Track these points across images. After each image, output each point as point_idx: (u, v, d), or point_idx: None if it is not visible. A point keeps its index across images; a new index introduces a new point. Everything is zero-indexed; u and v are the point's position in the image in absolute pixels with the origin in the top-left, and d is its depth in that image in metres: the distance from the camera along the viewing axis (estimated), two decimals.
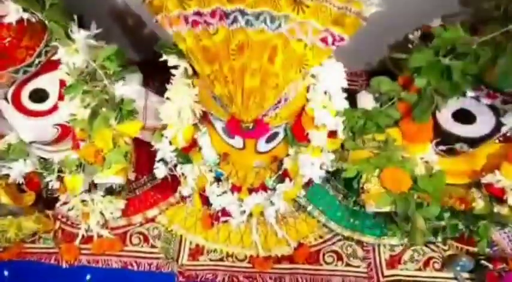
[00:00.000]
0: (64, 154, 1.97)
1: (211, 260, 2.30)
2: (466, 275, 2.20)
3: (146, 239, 2.36)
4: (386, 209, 1.83)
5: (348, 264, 2.28)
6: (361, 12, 1.40)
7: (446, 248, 2.26)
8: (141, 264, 2.30)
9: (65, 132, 1.93)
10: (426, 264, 2.25)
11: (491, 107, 1.79)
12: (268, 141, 1.92)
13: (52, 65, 1.78)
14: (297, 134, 1.82)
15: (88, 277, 2.28)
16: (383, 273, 2.24)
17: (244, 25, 1.39)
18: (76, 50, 1.66)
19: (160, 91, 1.89)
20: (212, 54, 1.48)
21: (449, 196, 1.89)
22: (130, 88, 1.80)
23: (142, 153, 2.15)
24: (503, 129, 1.79)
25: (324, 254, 2.30)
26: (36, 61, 1.75)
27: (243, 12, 1.36)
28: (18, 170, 1.97)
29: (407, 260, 2.27)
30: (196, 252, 2.32)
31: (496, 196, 1.85)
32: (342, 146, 1.94)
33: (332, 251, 2.31)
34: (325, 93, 1.68)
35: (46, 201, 2.31)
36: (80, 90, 1.73)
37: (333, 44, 1.48)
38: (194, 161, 2.01)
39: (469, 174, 1.95)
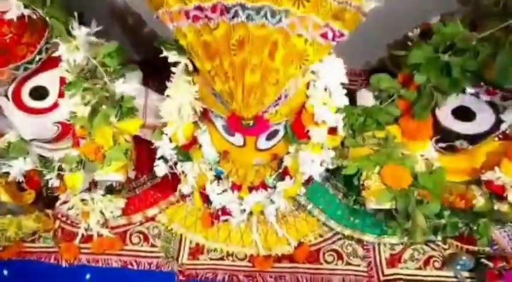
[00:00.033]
0: (64, 152, 1.97)
1: (211, 259, 2.30)
2: (466, 273, 2.20)
3: (146, 238, 2.35)
4: (387, 205, 1.83)
5: (348, 263, 2.27)
6: (361, 7, 1.40)
7: (446, 247, 2.26)
8: (141, 264, 2.29)
9: (65, 130, 1.93)
10: (426, 263, 2.25)
11: (491, 104, 1.79)
12: (268, 138, 1.92)
13: (52, 63, 1.79)
14: (297, 131, 1.82)
15: (88, 276, 2.27)
16: (383, 272, 2.24)
17: (245, 20, 1.39)
18: (76, 47, 1.65)
19: (160, 91, 1.89)
20: (213, 49, 1.48)
21: (449, 193, 1.89)
22: (130, 86, 1.79)
23: (142, 152, 2.16)
24: (503, 126, 1.79)
25: (324, 253, 2.30)
26: (37, 58, 1.75)
27: (243, 7, 1.36)
28: (18, 168, 1.96)
29: (408, 258, 2.26)
30: (197, 251, 2.32)
31: (496, 193, 1.85)
32: (342, 143, 1.94)
33: (332, 250, 2.30)
34: (325, 89, 1.68)
35: (46, 200, 2.30)
36: (80, 88, 1.73)
37: (333, 39, 1.48)
38: (194, 159, 2.01)
39: (469, 172, 1.96)
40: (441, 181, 1.83)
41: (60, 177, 2.00)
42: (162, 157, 1.94)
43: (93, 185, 2.18)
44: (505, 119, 1.77)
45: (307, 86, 1.71)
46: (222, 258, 2.30)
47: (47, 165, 2.06)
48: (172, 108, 1.78)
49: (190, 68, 1.70)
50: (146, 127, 1.96)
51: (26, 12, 1.64)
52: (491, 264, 2.11)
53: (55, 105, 1.86)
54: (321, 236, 2.33)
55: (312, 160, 1.83)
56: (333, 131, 1.78)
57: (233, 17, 1.39)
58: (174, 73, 1.77)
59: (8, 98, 1.82)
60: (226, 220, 2.29)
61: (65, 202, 2.29)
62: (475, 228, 2.05)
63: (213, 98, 1.74)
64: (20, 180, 2.04)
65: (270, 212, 2.16)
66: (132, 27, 2.24)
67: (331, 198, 2.31)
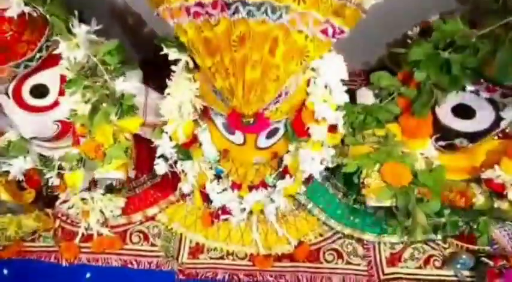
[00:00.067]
0: (64, 151, 1.97)
1: (211, 258, 2.30)
2: (466, 272, 2.20)
3: (146, 238, 2.36)
4: (387, 203, 1.83)
5: (348, 263, 2.28)
6: (361, 4, 1.41)
7: (446, 246, 2.26)
8: (141, 263, 2.30)
9: (65, 128, 1.93)
10: (426, 262, 2.25)
11: (491, 101, 1.79)
12: (268, 137, 1.92)
13: (53, 61, 1.79)
14: (297, 129, 1.82)
15: (88, 275, 2.27)
16: (383, 271, 2.24)
17: (246, 16, 1.39)
18: (77, 45, 1.66)
19: (160, 90, 1.89)
20: (213, 46, 1.48)
21: (449, 190, 1.89)
22: (130, 84, 1.80)
23: (142, 152, 2.16)
24: (503, 124, 1.79)
25: (324, 252, 2.30)
26: (37, 56, 1.75)
27: (244, 3, 1.36)
28: (18, 166, 1.97)
29: (408, 258, 2.27)
30: (197, 250, 2.32)
31: (496, 191, 1.85)
32: (342, 141, 1.94)
33: (332, 249, 2.31)
34: (326, 87, 1.68)
35: (46, 199, 2.31)
36: (80, 85, 1.73)
37: (333, 36, 1.48)
38: (194, 158, 2.01)
39: (469, 171, 1.96)
40: (441, 179, 1.83)
41: (60, 176, 2.00)
42: (162, 156, 1.93)
43: (93, 184, 2.18)
44: (505, 116, 1.77)
45: (308, 83, 1.71)
46: (222, 258, 2.30)
47: (47, 164, 2.06)
48: (173, 106, 1.78)
49: (191, 65, 1.70)
50: (146, 125, 1.96)
51: (27, 9, 1.64)
52: (491, 263, 2.11)
53: (55, 104, 1.86)
54: (321, 235, 2.34)
55: (312, 158, 1.83)
56: (333, 128, 1.78)
57: (234, 13, 1.39)
58: (174, 72, 1.77)
59: (8, 96, 1.82)
60: (226, 219, 2.29)
61: (65, 201, 2.29)
62: (475, 226, 2.05)
63: (213, 95, 1.74)
64: (20, 179, 2.04)
65: (270, 211, 2.16)
66: (132, 27, 2.25)
67: (331, 197, 2.31)
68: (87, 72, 1.76)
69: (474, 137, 1.84)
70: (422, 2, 1.88)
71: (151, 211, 2.37)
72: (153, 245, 2.34)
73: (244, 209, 2.18)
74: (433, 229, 2.06)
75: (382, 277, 2.23)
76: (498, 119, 1.79)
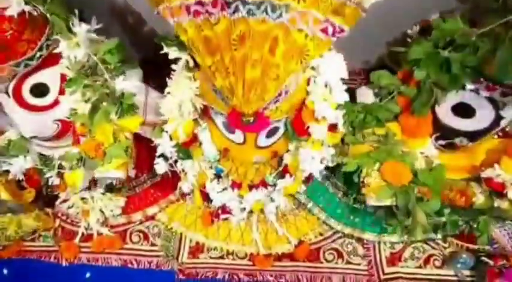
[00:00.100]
0: (64, 150, 1.97)
1: (211, 257, 2.30)
2: (466, 272, 2.20)
3: (146, 237, 2.36)
4: (387, 202, 1.82)
5: (348, 262, 2.28)
6: (361, 2, 1.41)
7: (446, 245, 2.27)
8: (141, 262, 2.30)
9: (65, 128, 1.93)
10: (427, 261, 2.26)
11: (491, 100, 1.79)
12: (268, 136, 1.92)
13: (53, 60, 1.78)
14: (297, 128, 1.82)
15: (88, 275, 2.28)
16: (383, 270, 2.24)
17: (246, 15, 1.39)
18: (77, 44, 1.66)
19: (160, 89, 1.89)
20: (213, 44, 1.48)
21: (449, 189, 1.89)
22: (130, 83, 1.80)
23: (142, 151, 2.16)
24: (503, 123, 1.79)
25: (324, 252, 2.30)
26: (38, 55, 1.74)
27: (244, 2, 1.36)
28: (18, 165, 1.97)
29: (408, 257, 2.27)
30: (197, 250, 2.32)
31: (496, 190, 1.85)
32: (342, 140, 1.94)
33: (332, 248, 2.31)
34: (326, 86, 1.68)
35: (46, 199, 2.31)
36: (80, 84, 1.73)
37: (333, 35, 1.48)
38: (194, 157, 2.01)
39: (469, 170, 1.95)
40: (441, 178, 1.83)
41: (60, 175, 2.00)
42: (162, 155, 1.94)
43: (93, 184, 2.19)
44: (505, 115, 1.77)
45: (308, 82, 1.71)
46: (222, 257, 2.31)
47: (47, 163, 2.05)
48: (173, 105, 1.78)
49: (191, 64, 1.70)
50: (146, 124, 1.96)
51: (27, 8, 1.63)
52: (491, 262, 2.12)
53: (55, 103, 1.86)
54: (321, 234, 2.34)
55: (312, 157, 1.84)
56: (333, 127, 1.78)
57: (234, 12, 1.39)
58: (174, 71, 1.77)
59: (8, 95, 1.82)
60: (226, 219, 2.29)
61: (64, 201, 2.29)
62: (475, 226, 2.05)
63: (213, 94, 1.74)
64: (20, 179, 2.04)
65: (270, 210, 2.17)
66: (132, 26, 2.25)
67: (331, 196, 2.32)
68: (87, 71, 1.76)
69: (474, 136, 1.84)
70: (422, 1, 1.88)
71: (151, 210, 2.38)
72: (153, 244, 2.34)
73: (244, 209, 2.18)
74: (433, 228, 2.06)
75: (382, 277, 2.23)
76: (498, 118, 1.79)
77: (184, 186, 2.10)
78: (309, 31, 1.46)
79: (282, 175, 2.07)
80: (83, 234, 2.34)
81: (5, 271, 2.29)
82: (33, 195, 2.17)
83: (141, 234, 2.37)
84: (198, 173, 2.08)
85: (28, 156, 2.00)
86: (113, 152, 1.79)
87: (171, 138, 1.88)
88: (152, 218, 2.40)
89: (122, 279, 2.28)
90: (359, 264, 2.27)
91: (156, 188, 2.39)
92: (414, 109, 1.80)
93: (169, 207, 2.40)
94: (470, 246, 2.22)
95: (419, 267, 2.25)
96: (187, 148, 1.95)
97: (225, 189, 2.17)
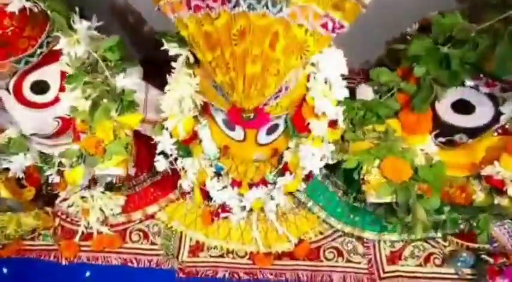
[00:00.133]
0: (64, 148, 1.96)
1: (211, 256, 2.30)
2: (467, 270, 2.20)
3: (146, 236, 2.36)
4: (387, 199, 1.82)
5: (348, 261, 2.28)
6: None
7: (446, 244, 2.27)
8: (141, 261, 2.30)
9: (65, 125, 1.93)
10: (427, 260, 2.26)
11: (490, 96, 1.79)
12: (268, 133, 1.92)
13: (54, 57, 1.79)
14: (298, 124, 1.82)
15: (87, 274, 2.27)
16: (383, 269, 2.25)
17: (246, 9, 1.39)
18: (77, 41, 1.66)
19: (161, 88, 1.89)
20: (214, 39, 1.48)
21: (449, 185, 1.89)
22: (131, 80, 1.80)
23: (142, 150, 2.16)
24: (502, 119, 1.79)
25: (324, 250, 2.31)
26: (38, 51, 1.74)
27: None
28: (18, 163, 1.98)
29: (408, 256, 2.27)
30: (197, 248, 2.32)
31: (496, 188, 1.86)
32: (342, 138, 1.94)
33: (332, 247, 2.32)
34: (326, 82, 1.68)
35: (46, 198, 2.31)
36: (81, 81, 1.73)
37: (333, 30, 1.48)
38: (194, 154, 2.01)
39: (469, 167, 1.96)
40: (441, 174, 1.83)
41: (60, 173, 2.01)
42: (162, 152, 1.94)
43: (92, 183, 2.19)
44: (504, 111, 1.77)
45: (308, 78, 1.71)
46: (222, 256, 2.31)
47: (47, 161, 2.06)
48: (173, 101, 1.78)
49: (191, 60, 1.70)
50: (147, 122, 1.96)
51: (28, 5, 1.63)
52: (491, 261, 2.12)
53: (56, 100, 1.86)
54: (321, 233, 2.34)
55: (313, 154, 1.83)
56: (333, 124, 1.78)
57: (234, 7, 1.40)
58: (174, 69, 1.77)
59: (9, 92, 1.82)
60: (226, 217, 2.30)
61: (64, 199, 2.29)
62: (475, 223, 2.06)
63: (213, 91, 1.74)
64: (20, 177, 2.05)
65: (270, 209, 2.17)
66: (132, 25, 2.25)
67: (331, 195, 2.32)
68: (87, 68, 1.76)
69: (474, 133, 1.84)
70: (423, 1, 1.88)
71: (151, 209, 2.38)
72: (153, 243, 2.34)
73: (244, 207, 2.19)
74: (433, 226, 2.07)
75: (382, 275, 2.23)
76: (498, 114, 1.79)
77: (185, 184, 2.10)
78: (309, 26, 1.46)
79: (282, 173, 2.07)
80: (82, 233, 2.34)
81: (5, 270, 2.28)
82: (33, 194, 2.17)
83: (141, 233, 2.37)
84: (198, 170, 2.08)
85: (28, 154, 2.01)
86: (113, 149, 1.78)
87: (171, 136, 1.88)
88: (152, 216, 2.40)
89: (121, 278, 2.27)
90: (359, 263, 2.28)
91: (156, 187, 2.39)
92: (414, 106, 1.81)
93: (169, 206, 2.40)
94: (470, 244, 2.23)
95: (420, 265, 2.26)
96: (187, 145, 1.95)
97: (225, 187, 2.17)
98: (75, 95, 1.77)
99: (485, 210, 1.99)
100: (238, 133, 1.92)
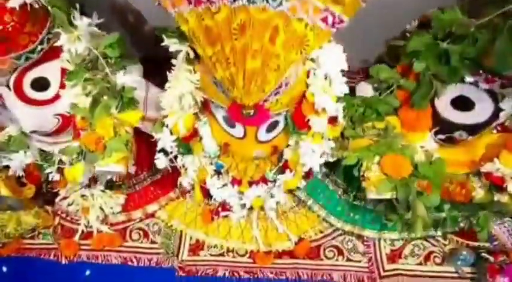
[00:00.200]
0: (64, 146, 1.96)
1: (211, 255, 2.30)
2: (467, 269, 2.20)
3: (146, 235, 2.36)
4: (387, 195, 1.83)
5: (348, 259, 2.28)
6: None
7: (446, 242, 2.27)
8: (141, 260, 2.30)
9: (65, 122, 1.92)
10: (427, 258, 2.26)
11: (490, 93, 1.79)
12: (268, 130, 1.92)
13: (54, 54, 1.79)
14: (297, 121, 1.82)
15: (87, 273, 2.27)
16: (384, 267, 2.24)
17: (246, 3, 1.39)
18: (78, 37, 1.66)
19: (161, 88, 1.90)
20: (214, 34, 1.48)
21: (449, 182, 1.89)
22: (131, 78, 1.80)
23: (143, 149, 2.17)
24: (502, 115, 1.80)
25: (324, 249, 2.31)
26: (39, 48, 1.74)
27: None
28: (18, 161, 1.98)
29: (408, 254, 2.27)
30: (197, 247, 2.32)
31: (495, 184, 1.86)
32: (342, 135, 1.95)
33: (333, 245, 2.31)
34: (326, 78, 1.69)
35: (46, 196, 2.31)
36: (81, 78, 1.74)
37: (332, 25, 1.49)
38: (195, 152, 2.01)
39: (468, 165, 1.96)
40: (441, 170, 1.83)
41: (60, 171, 2.01)
42: (162, 150, 1.94)
43: (93, 181, 2.19)
44: (504, 107, 1.78)
45: (308, 74, 1.71)
46: (222, 254, 2.31)
47: (48, 158, 2.06)
48: (173, 98, 1.78)
49: (192, 55, 1.70)
50: (147, 120, 1.97)
51: (28, 0, 1.62)
52: (491, 259, 2.12)
53: (56, 97, 1.86)
54: (321, 231, 2.35)
55: (313, 150, 1.83)
56: (333, 120, 1.78)
57: (234, 0, 1.40)
58: (175, 66, 1.78)
59: (9, 88, 1.82)
60: (226, 216, 2.30)
61: (64, 198, 2.29)
62: (474, 221, 2.06)
63: (214, 87, 1.74)
64: (20, 175, 2.04)
65: (270, 206, 2.17)
66: (132, 24, 2.25)
67: (331, 194, 2.32)
68: (87, 65, 1.76)
69: (474, 130, 1.85)
70: (423, 0, 1.89)
71: (151, 208, 2.38)
72: (153, 242, 2.34)
73: (244, 205, 2.19)
74: (433, 225, 2.07)
75: (382, 273, 2.23)
76: (497, 111, 1.80)
77: (185, 181, 2.10)
78: (309, 20, 1.46)
79: (282, 171, 2.08)
80: (82, 231, 2.34)
81: (4, 269, 2.28)
82: (33, 192, 2.17)
83: (141, 232, 2.37)
84: (198, 168, 2.09)
85: (28, 152, 2.01)
86: (113, 146, 1.79)
87: (171, 133, 1.89)
88: (152, 215, 2.41)
89: (121, 276, 2.27)
90: (359, 262, 2.27)
91: (156, 186, 2.40)
92: (414, 102, 1.81)
93: (169, 205, 2.41)
94: (471, 243, 2.23)
95: (420, 264, 2.25)
96: (187, 143, 1.96)
97: (225, 185, 2.17)
98: (75, 92, 1.78)
99: (485, 208, 1.99)
100: (238, 130, 1.92)
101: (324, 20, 1.47)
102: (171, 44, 1.67)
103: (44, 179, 2.13)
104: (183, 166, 2.04)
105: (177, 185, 2.22)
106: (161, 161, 1.97)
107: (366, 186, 1.85)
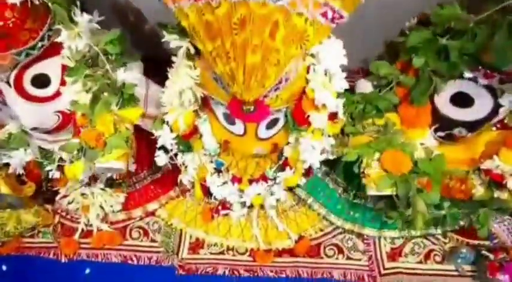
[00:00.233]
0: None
1: (211, 253, 2.31)
2: (467, 266, 2.20)
3: (146, 233, 2.36)
4: (387, 191, 1.82)
5: (348, 258, 2.29)
6: None
7: (446, 240, 2.28)
8: (141, 258, 2.30)
9: (66, 119, 1.92)
10: (427, 256, 2.27)
11: (489, 88, 1.79)
12: (268, 127, 1.92)
13: (55, 50, 1.79)
14: (297, 117, 1.82)
15: (87, 271, 2.27)
16: (384, 266, 2.25)
17: None
18: (79, 34, 1.67)
19: (161, 86, 1.89)
20: (214, 29, 1.48)
21: (449, 178, 1.89)
22: (131, 74, 1.80)
23: (143, 148, 2.17)
24: (501, 111, 1.80)
25: (324, 247, 2.31)
26: (39, 45, 1.74)
27: None
28: (18, 158, 1.98)
29: (408, 252, 2.28)
30: (197, 245, 2.33)
31: (495, 181, 1.86)
32: (342, 131, 1.95)
33: (333, 244, 2.32)
34: (326, 74, 1.69)
35: (46, 195, 2.32)
36: (81, 74, 1.74)
37: (332, 20, 1.50)
38: (195, 149, 2.02)
39: (468, 162, 1.96)
40: (441, 167, 1.83)
41: (60, 169, 2.00)
42: (162, 147, 1.94)
43: (93, 179, 2.19)
44: (503, 103, 1.78)
45: (307, 70, 1.71)
46: (222, 253, 2.31)
47: (48, 156, 2.06)
48: (174, 94, 1.78)
49: (192, 51, 1.71)
50: (147, 117, 1.97)
51: None
52: (491, 256, 2.12)
53: (57, 94, 1.86)
54: (321, 230, 2.35)
55: (313, 147, 1.84)
56: (333, 116, 1.79)
57: None
58: (175, 63, 1.78)
59: (9, 85, 1.82)
60: (226, 214, 2.30)
61: (64, 196, 2.29)
62: (474, 219, 2.06)
63: (214, 83, 1.74)
64: (20, 173, 2.04)
65: (270, 204, 2.17)
66: (133, 23, 2.26)
67: (331, 192, 2.32)
68: (88, 62, 1.77)
69: (473, 126, 1.85)
70: (423, 0, 1.89)
71: (151, 207, 2.39)
72: (153, 240, 2.34)
73: (245, 203, 2.19)
74: (433, 222, 2.07)
75: (382, 272, 2.23)
76: (497, 106, 1.80)
77: (185, 179, 2.10)
78: (309, 15, 1.47)
79: (282, 169, 2.08)
80: (82, 230, 2.34)
81: (4, 267, 2.28)
82: (33, 190, 2.17)
83: (141, 230, 2.37)
84: (198, 166, 2.09)
85: (28, 149, 2.01)
86: (113, 142, 1.79)
87: (171, 130, 1.89)
88: (152, 214, 2.41)
89: (121, 275, 2.27)
90: (359, 260, 2.28)
91: (156, 184, 2.40)
92: (413, 98, 1.82)
93: (170, 204, 2.41)
94: (471, 241, 2.23)
95: (420, 262, 2.26)
96: (187, 140, 1.96)
97: (225, 183, 2.18)
98: (75, 89, 1.78)
99: (485, 205, 2.00)
100: (238, 127, 1.92)
101: (324, 14, 1.48)
102: (172, 40, 1.68)
103: (44, 177, 2.12)
104: (183, 164, 2.04)
105: (177, 183, 2.22)
106: (161, 159, 1.97)
107: (366, 182, 1.85)
